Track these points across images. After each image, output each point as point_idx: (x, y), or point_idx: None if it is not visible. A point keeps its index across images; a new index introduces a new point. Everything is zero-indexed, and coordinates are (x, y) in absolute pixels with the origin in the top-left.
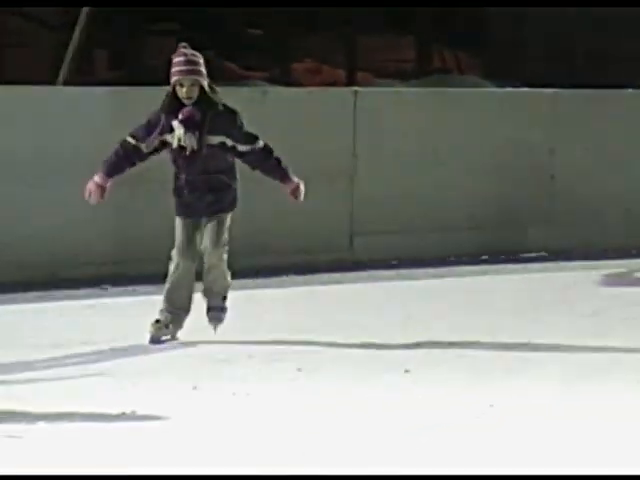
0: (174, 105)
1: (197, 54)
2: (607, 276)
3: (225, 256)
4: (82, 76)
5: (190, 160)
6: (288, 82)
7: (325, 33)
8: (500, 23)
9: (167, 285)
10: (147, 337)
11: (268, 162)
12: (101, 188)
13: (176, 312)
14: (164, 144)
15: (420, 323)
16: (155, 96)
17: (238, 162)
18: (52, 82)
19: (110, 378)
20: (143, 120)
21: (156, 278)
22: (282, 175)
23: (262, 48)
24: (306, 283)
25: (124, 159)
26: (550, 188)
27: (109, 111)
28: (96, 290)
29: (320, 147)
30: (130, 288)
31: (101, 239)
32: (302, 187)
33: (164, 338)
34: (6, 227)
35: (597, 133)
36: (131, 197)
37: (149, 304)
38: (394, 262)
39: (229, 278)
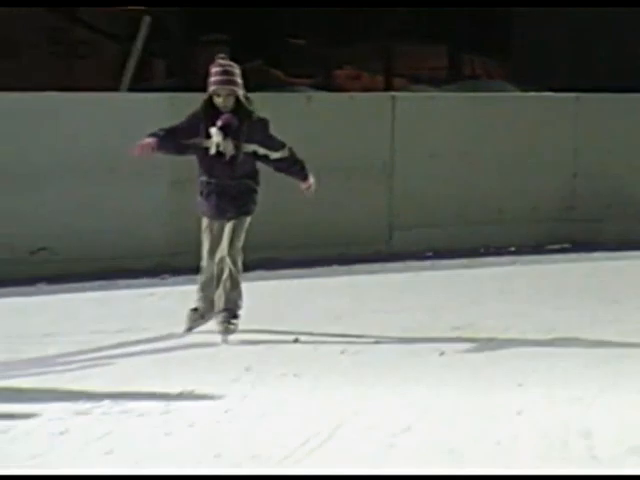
0: (211, 112)
1: (234, 65)
2: (627, 266)
3: (239, 261)
4: (142, 83)
5: (225, 166)
6: (330, 88)
7: (364, 43)
8: (525, 32)
9: (200, 280)
10: (184, 326)
11: (294, 167)
12: (152, 148)
13: (209, 299)
14: (196, 148)
15: (453, 310)
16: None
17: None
18: (116, 89)
19: (169, 360)
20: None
21: None
22: (303, 177)
23: (306, 57)
24: (348, 273)
25: (166, 140)
26: (572, 185)
27: (167, 115)
28: (156, 280)
29: (361, 147)
30: (186, 277)
31: (160, 233)
32: (314, 185)
33: (200, 327)
34: (74, 222)
35: (617, 134)
36: (188, 195)
37: None
38: (429, 254)
39: (242, 293)
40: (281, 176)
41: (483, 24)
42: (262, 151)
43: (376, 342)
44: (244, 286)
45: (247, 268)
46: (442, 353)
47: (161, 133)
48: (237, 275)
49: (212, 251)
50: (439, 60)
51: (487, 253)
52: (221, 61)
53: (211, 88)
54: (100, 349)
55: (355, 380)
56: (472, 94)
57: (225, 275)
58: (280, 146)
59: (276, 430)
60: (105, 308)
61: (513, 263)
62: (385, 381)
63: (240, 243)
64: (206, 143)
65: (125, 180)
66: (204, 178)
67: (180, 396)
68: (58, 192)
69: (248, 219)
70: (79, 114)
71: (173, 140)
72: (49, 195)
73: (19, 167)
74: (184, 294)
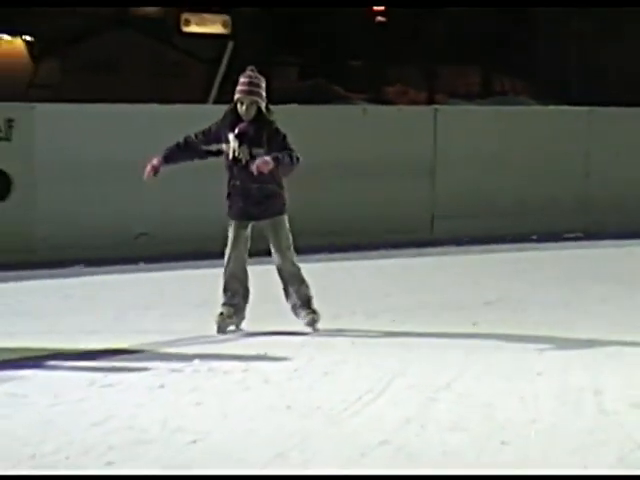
0: (233, 119)
1: (260, 77)
2: (631, 253)
3: (295, 259)
4: (225, 97)
5: (243, 170)
6: (382, 101)
7: (410, 64)
8: (547, 55)
9: (223, 280)
10: (214, 328)
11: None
12: (155, 169)
13: (235, 303)
14: (220, 151)
15: (484, 287)
16: (311, 119)
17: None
18: (204, 101)
19: (250, 325)
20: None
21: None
22: (273, 157)
23: (362, 75)
24: (396, 256)
25: (182, 150)
26: (585, 184)
27: None
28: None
29: (407, 151)
30: (258, 259)
31: None
32: (260, 163)
33: (229, 328)
34: (169, 212)
35: (624, 140)
36: None
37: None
38: (465, 240)
39: (309, 284)
40: (347, 177)
41: (511, 48)
42: (266, 152)
43: (419, 314)
44: (310, 267)
45: (316, 251)
46: (475, 323)
47: (175, 146)
48: (299, 271)
49: (234, 244)
50: (473, 79)
51: (513, 240)
52: (250, 72)
53: (236, 96)
54: (187, 318)
55: (403, 344)
56: (501, 107)
57: (291, 277)
58: (283, 149)
59: (337, 386)
60: (190, 284)
61: (535, 249)
62: (428, 346)
63: (289, 243)
64: (226, 148)
65: (207, 175)
66: (230, 182)
67: (256, 357)
68: (156, 187)
69: (283, 219)
70: (174, 122)
71: (191, 148)
72: (148, 189)
73: (124, 164)
74: (254, 272)
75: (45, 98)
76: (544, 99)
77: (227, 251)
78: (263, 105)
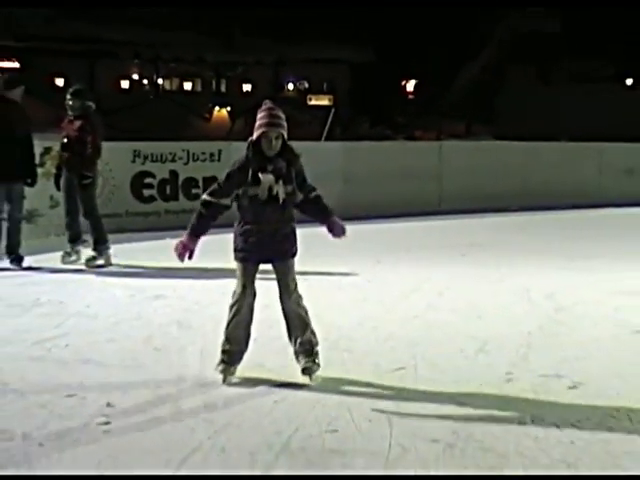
0: (259, 157)
1: (279, 110)
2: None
3: (302, 301)
4: (330, 137)
5: (276, 210)
6: (413, 139)
7: (427, 118)
8: (502, 111)
9: (229, 326)
10: (219, 378)
11: (314, 207)
12: (190, 250)
13: (236, 350)
14: (240, 197)
15: (473, 235)
16: (376, 149)
17: None
18: (319, 139)
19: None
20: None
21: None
22: (325, 216)
23: (403, 125)
24: (416, 221)
25: (209, 218)
26: (525, 181)
27: (341, 152)
28: None
29: (424, 166)
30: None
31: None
32: (343, 225)
33: (230, 378)
34: None
35: (543, 157)
36: (356, 188)
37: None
38: (455, 211)
39: (314, 330)
40: (396, 178)
41: (481, 109)
42: (295, 190)
43: (432, 252)
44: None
45: (360, 219)
46: (464, 254)
47: (198, 218)
48: (306, 315)
49: (245, 292)
50: (461, 127)
51: (487, 210)
52: (270, 105)
53: (261, 130)
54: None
55: (424, 265)
56: (476, 142)
57: (296, 319)
58: (308, 189)
59: (391, 287)
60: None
61: (497, 216)
62: (439, 264)
63: (296, 283)
64: (253, 190)
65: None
66: (250, 226)
67: (347, 274)
68: None
69: (294, 261)
70: (308, 150)
71: (213, 212)
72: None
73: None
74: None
75: (237, 140)
76: (498, 137)
77: (236, 299)
78: (286, 136)
